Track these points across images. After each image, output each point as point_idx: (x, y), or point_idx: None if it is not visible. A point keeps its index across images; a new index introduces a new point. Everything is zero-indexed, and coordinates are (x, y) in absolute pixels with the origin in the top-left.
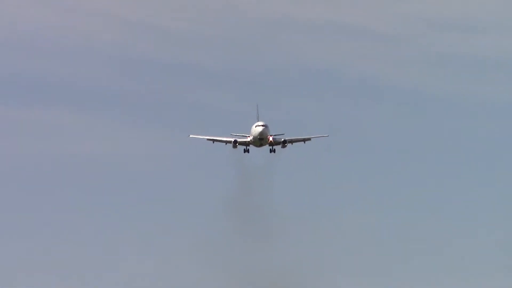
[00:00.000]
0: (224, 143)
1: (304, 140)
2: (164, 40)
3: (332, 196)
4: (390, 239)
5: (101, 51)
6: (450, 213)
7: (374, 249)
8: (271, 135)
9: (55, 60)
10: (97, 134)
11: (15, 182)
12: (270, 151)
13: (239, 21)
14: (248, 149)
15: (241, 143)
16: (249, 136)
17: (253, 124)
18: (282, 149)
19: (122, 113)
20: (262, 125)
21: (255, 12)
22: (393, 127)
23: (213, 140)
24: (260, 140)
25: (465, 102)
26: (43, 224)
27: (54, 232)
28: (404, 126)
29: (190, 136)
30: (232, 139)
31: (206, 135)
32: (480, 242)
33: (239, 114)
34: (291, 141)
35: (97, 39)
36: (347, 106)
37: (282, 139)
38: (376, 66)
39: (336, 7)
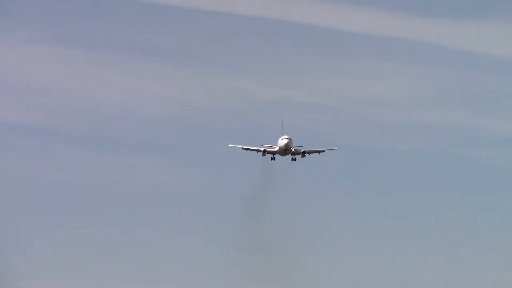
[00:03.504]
0: (256, 152)
1: (319, 151)
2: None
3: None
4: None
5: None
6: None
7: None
8: (293, 147)
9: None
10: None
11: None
12: (292, 159)
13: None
14: (275, 157)
15: (269, 152)
16: (275, 147)
17: (279, 137)
18: (302, 158)
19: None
20: (287, 138)
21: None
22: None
23: (247, 149)
24: (285, 151)
25: (381, 152)
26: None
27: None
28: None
29: (229, 145)
30: (262, 149)
31: (241, 145)
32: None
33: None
34: (309, 152)
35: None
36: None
37: (302, 150)
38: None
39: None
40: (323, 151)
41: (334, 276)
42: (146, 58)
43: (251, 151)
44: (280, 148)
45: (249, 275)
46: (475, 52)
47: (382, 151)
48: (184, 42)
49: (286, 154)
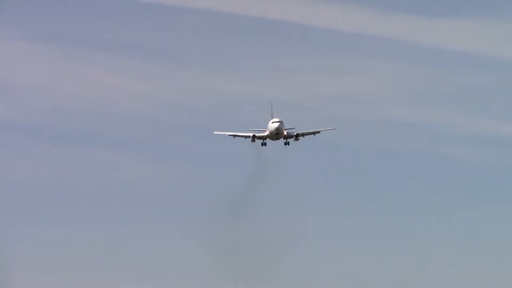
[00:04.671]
0: (244, 138)
1: (314, 133)
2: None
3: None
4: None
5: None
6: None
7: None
8: (285, 130)
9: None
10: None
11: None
12: (285, 143)
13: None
14: (265, 143)
15: (259, 138)
16: (266, 131)
17: (269, 120)
18: (295, 141)
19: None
20: (278, 121)
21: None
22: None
23: (234, 136)
24: (276, 135)
25: (357, 148)
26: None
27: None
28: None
29: (214, 132)
30: (251, 134)
31: (228, 132)
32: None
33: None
34: (303, 134)
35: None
36: None
37: (295, 133)
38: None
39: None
40: (318, 132)
41: (326, 272)
42: (125, 54)
43: (239, 138)
44: (271, 132)
45: (238, 275)
46: (450, 49)
47: (358, 147)
48: (164, 39)
49: (278, 139)
